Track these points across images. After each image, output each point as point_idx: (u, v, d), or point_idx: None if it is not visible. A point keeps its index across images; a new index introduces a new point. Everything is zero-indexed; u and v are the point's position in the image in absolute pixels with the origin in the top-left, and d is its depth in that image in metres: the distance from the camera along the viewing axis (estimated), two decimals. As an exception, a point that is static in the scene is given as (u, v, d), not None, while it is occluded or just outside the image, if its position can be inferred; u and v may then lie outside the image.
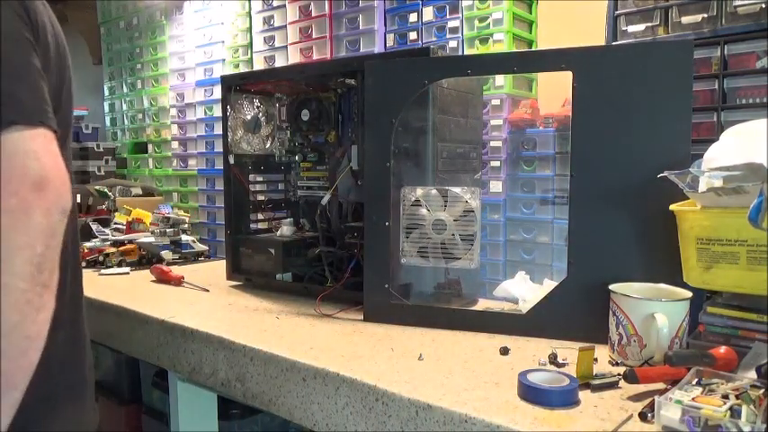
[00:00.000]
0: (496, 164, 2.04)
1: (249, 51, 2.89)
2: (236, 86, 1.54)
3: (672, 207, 0.93)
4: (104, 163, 3.59)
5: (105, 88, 3.87)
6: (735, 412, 0.67)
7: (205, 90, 3.11)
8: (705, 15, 1.56)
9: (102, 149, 3.60)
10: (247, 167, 1.58)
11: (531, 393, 0.78)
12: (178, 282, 1.58)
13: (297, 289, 1.42)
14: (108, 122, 3.88)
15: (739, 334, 0.87)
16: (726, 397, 0.70)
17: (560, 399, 0.77)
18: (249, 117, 1.59)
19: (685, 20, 1.60)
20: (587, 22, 1.90)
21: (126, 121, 3.72)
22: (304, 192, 1.55)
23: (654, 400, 0.71)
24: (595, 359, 0.90)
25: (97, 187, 2.69)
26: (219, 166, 2.85)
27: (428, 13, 2.21)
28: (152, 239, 1.90)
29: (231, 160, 1.53)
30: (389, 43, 2.33)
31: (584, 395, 0.80)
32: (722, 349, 0.82)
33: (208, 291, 1.50)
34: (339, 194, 1.42)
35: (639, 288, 0.97)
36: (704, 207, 0.88)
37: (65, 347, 0.79)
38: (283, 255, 1.44)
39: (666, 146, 0.99)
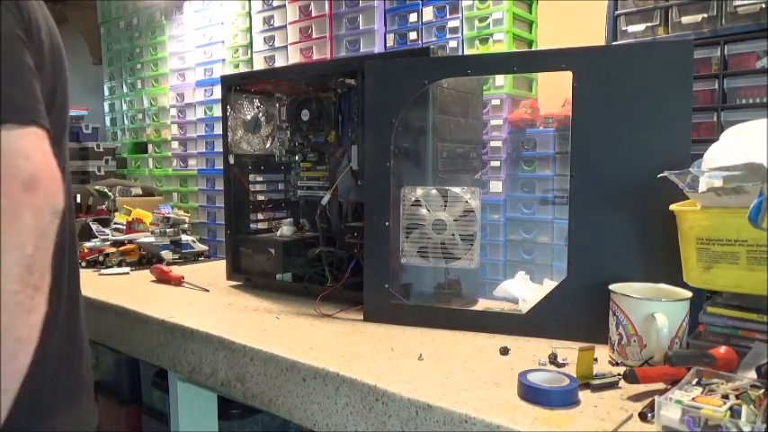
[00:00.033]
0: (496, 164, 2.03)
1: (249, 51, 2.89)
2: (236, 86, 1.54)
3: (672, 207, 0.93)
4: (104, 163, 3.59)
5: (105, 88, 3.87)
6: (735, 412, 0.67)
7: (205, 90, 3.11)
8: (705, 15, 1.56)
9: (102, 149, 3.60)
10: (247, 167, 1.58)
11: (531, 393, 0.78)
12: (178, 282, 1.58)
13: (297, 289, 1.42)
14: (108, 122, 3.88)
15: (739, 334, 0.87)
16: (726, 397, 0.70)
17: (560, 399, 0.77)
18: (249, 117, 1.59)
19: (685, 20, 1.60)
20: (587, 22, 1.90)
21: (126, 121, 3.71)
22: (304, 192, 1.55)
23: (654, 400, 0.71)
24: (595, 359, 0.90)
25: (97, 187, 2.69)
26: (219, 166, 2.85)
27: (428, 13, 2.20)
28: (152, 239, 1.90)
29: (231, 160, 1.53)
30: (389, 43, 2.33)
31: (584, 395, 0.80)
32: (722, 349, 0.82)
33: (208, 291, 1.50)
34: (339, 194, 1.42)
35: (639, 288, 0.97)
36: (704, 207, 0.88)
37: (61, 348, 0.78)
38: (283, 255, 1.44)
39: (666, 146, 0.99)
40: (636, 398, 0.79)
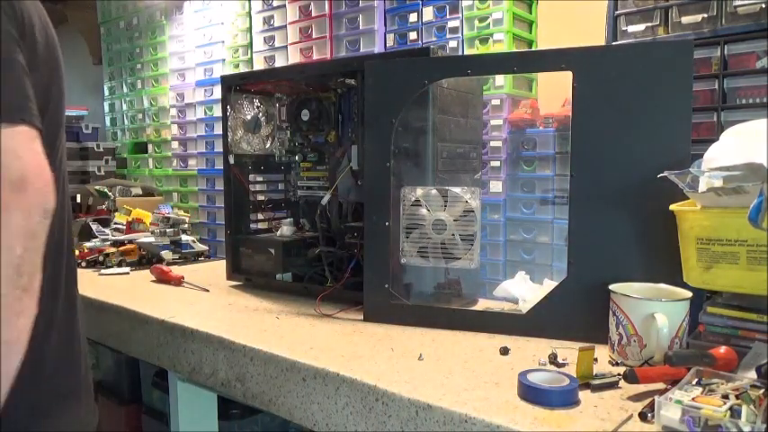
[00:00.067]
0: (496, 164, 2.03)
1: (249, 51, 2.89)
2: (236, 86, 1.54)
3: (672, 207, 0.93)
4: (104, 163, 3.58)
5: (105, 88, 3.86)
6: (735, 412, 0.67)
7: (205, 90, 3.11)
8: (705, 15, 1.56)
9: (102, 149, 3.59)
10: (247, 167, 1.58)
11: (531, 393, 0.78)
12: (178, 282, 1.58)
13: (297, 289, 1.42)
14: (108, 122, 3.88)
15: (739, 334, 0.87)
16: (726, 397, 0.70)
17: (560, 399, 0.77)
18: (249, 117, 1.59)
19: (685, 20, 1.60)
20: (587, 22, 1.90)
21: (126, 121, 3.71)
22: (304, 192, 1.55)
23: (654, 400, 0.71)
24: (595, 359, 0.90)
25: (97, 187, 2.69)
26: (219, 166, 2.85)
27: (428, 13, 2.20)
28: (152, 239, 1.90)
29: (231, 160, 1.53)
30: (389, 43, 2.33)
31: (584, 395, 0.80)
32: (722, 349, 0.82)
33: (208, 291, 1.50)
34: (339, 194, 1.42)
35: (639, 288, 0.97)
36: (704, 207, 0.88)
37: (59, 347, 0.78)
38: (283, 255, 1.44)
39: (666, 146, 0.99)
40: (636, 398, 0.79)
